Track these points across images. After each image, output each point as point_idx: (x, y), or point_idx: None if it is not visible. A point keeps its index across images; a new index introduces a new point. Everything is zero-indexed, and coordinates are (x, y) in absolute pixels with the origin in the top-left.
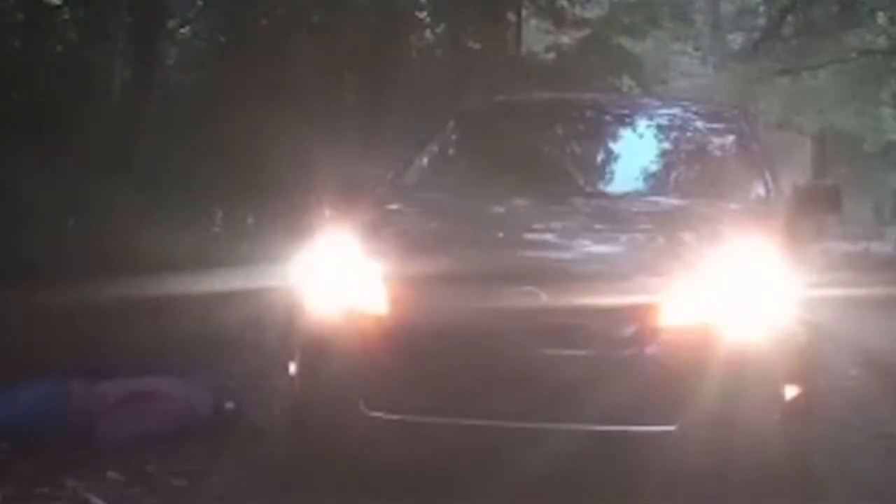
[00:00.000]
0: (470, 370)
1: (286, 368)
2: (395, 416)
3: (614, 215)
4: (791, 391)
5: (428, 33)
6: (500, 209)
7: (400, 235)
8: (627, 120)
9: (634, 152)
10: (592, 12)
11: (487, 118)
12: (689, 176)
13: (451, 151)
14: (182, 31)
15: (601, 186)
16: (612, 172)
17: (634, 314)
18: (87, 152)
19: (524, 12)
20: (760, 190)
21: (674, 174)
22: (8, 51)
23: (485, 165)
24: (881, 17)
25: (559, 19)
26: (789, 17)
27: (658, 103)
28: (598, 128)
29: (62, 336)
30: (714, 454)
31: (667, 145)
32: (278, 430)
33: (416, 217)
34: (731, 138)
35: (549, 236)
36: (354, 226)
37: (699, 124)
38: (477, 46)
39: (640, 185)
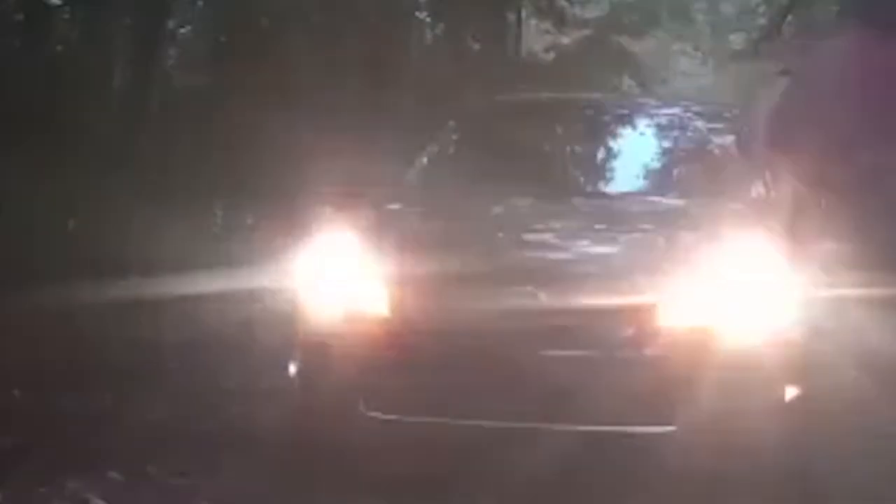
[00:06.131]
0: (470, 371)
1: (286, 369)
2: (394, 417)
3: (614, 215)
4: (791, 392)
5: (428, 33)
6: (499, 209)
7: (400, 236)
8: (627, 120)
9: (634, 152)
10: (592, 12)
11: (487, 118)
12: (689, 176)
13: (451, 151)
14: (182, 31)
15: (601, 186)
16: (612, 172)
17: (634, 315)
18: (88, 153)
19: (524, 12)
20: (761, 190)
21: (674, 174)
22: (8, 51)
23: (485, 165)
24: None
25: (559, 19)
26: (789, 18)
27: (658, 103)
28: (598, 128)
29: (62, 337)
30: (713, 455)
31: (667, 145)
32: (278, 431)
33: (415, 217)
34: (731, 138)
35: (548, 236)
36: (354, 226)
37: (699, 124)
38: (477, 46)
39: (640, 185)
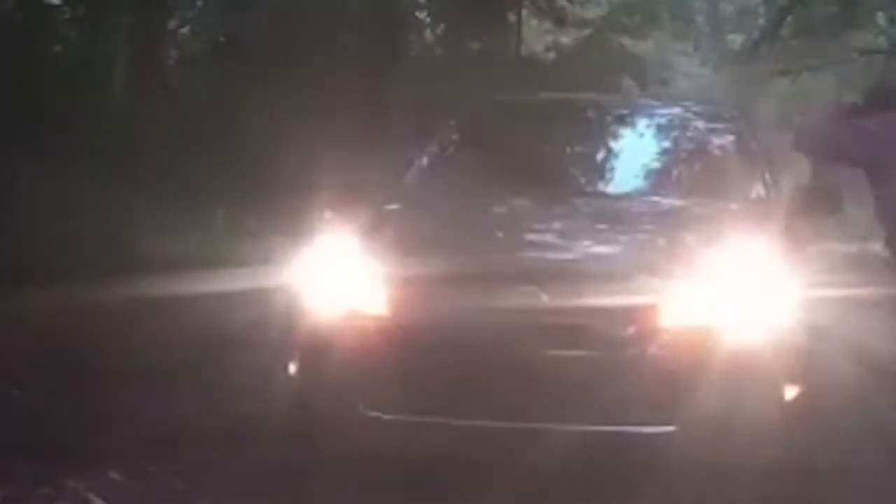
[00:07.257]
0: (470, 371)
1: (286, 369)
2: (394, 417)
3: (614, 216)
4: (791, 391)
5: (428, 33)
6: (500, 209)
7: (400, 236)
8: (627, 120)
9: (634, 152)
10: (593, 12)
11: (487, 118)
12: (689, 176)
13: (451, 152)
14: (182, 31)
15: (601, 187)
16: (612, 173)
17: (635, 315)
18: (88, 153)
19: (524, 12)
20: (760, 190)
21: (674, 174)
22: (7, 51)
23: (485, 166)
24: (881, 18)
25: (559, 19)
26: (789, 18)
27: (658, 103)
28: (598, 128)
29: (61, 337)
30: (714, 455)
31: (667, 145)
32: (278, 431)
33: (416, 217)
34: (730, 138)
35: (549, 237)
36: (354, 226)
37: (699, 124)
38: (477, 46)
39: (640, 185)
